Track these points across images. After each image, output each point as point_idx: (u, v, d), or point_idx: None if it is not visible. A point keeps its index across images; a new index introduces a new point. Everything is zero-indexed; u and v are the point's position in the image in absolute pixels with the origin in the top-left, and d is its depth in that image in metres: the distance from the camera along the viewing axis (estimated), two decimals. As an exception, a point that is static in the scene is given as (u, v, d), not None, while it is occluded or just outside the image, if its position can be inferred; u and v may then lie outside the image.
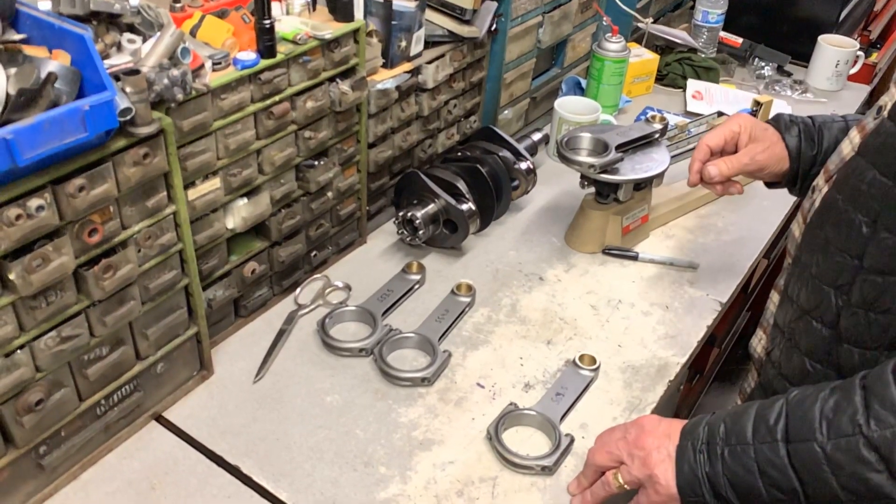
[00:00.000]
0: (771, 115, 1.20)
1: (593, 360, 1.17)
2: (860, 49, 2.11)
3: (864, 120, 0.92)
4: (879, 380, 0.76)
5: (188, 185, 1.01)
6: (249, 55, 1.02)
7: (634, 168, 1.36)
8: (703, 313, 1.31)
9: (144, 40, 0.91)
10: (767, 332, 1.07)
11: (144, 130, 0.87)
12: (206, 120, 0.99)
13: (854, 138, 0.91)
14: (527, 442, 1.07)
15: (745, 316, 2.18)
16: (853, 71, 2.09)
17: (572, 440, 1.06)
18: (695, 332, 1.27)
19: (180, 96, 0.91)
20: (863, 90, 2.13)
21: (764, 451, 0.80)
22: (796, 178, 1.14)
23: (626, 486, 0.90)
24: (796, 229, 1.00)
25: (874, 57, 2.28)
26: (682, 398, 1.82)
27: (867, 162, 0.85)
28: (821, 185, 0.95)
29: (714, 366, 2.11)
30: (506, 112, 1.64)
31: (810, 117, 1.17)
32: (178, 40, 0.89)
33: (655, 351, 1.23)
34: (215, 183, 1.05)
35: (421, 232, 1.33)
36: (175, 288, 1.01)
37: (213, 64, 1.00)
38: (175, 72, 0.89)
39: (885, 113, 0.86)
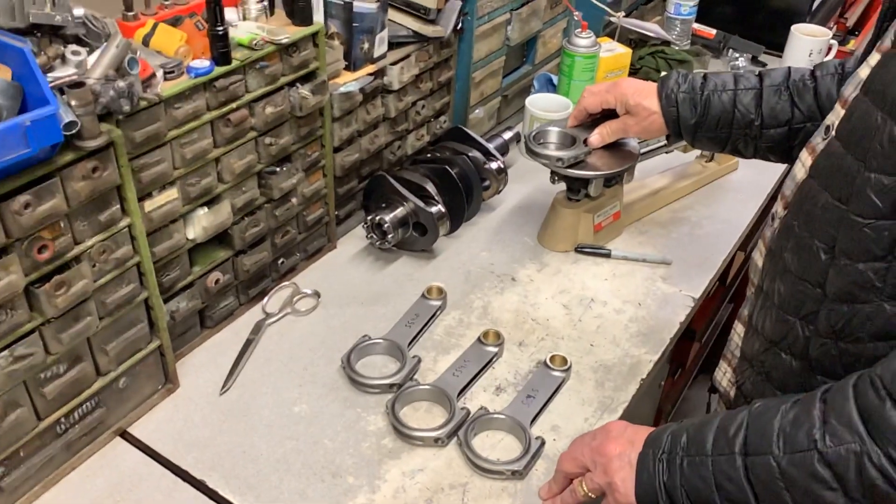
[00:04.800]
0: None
1: (564, 361, 1.16)
2: (837, 36, 2.10)
3: (813, 141, 0.89)
4: (839, 393, 0.73)
5: (144, 196, 0.99)
6: (203, 63, 1.01)
7: (605, 162, 1.33)
8: (677, 309, 1.30)
9: (91, 52, 0.89)
10: (733, 365, 1.04)
11: (92, 144, 0.85)
12: (160, 130, 0.98)
13: (805, 160, 0.89)
14: (497, 446, 1.06)
15: (728, 308, 2.18)
16: (827, 59, 2.07)
17: (543, 443, 1.05)
18: (668, 328, 1.26)
19: (127, 108, 0.89)
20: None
21: (721, 463, 0.77)
22: (679, 137, 1.20)
23: (590, 493, 0.88)
24: (759, 258, 0.97)
25: (852, 44, 2.26)
26: (664, 393, 1.81)
27: (819, 185, 0.83)
28: (780, 212, 0.92)
29: (697, 359, 2.10)
30: (477, 111, 1.63)
31: (704, 77, 1.17)
32: (125, 50, 0.88)
33: (628, 349, 1.22)
34: (172, 193, 1.03)
35: (390, 236, 1.31)
36: (134, 302, 0.99)
37: (166, 73, 0.98)
38: (121, 83, 0.87)
39: (833, 132, 0.83)
